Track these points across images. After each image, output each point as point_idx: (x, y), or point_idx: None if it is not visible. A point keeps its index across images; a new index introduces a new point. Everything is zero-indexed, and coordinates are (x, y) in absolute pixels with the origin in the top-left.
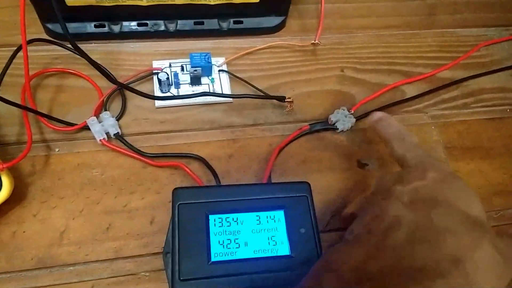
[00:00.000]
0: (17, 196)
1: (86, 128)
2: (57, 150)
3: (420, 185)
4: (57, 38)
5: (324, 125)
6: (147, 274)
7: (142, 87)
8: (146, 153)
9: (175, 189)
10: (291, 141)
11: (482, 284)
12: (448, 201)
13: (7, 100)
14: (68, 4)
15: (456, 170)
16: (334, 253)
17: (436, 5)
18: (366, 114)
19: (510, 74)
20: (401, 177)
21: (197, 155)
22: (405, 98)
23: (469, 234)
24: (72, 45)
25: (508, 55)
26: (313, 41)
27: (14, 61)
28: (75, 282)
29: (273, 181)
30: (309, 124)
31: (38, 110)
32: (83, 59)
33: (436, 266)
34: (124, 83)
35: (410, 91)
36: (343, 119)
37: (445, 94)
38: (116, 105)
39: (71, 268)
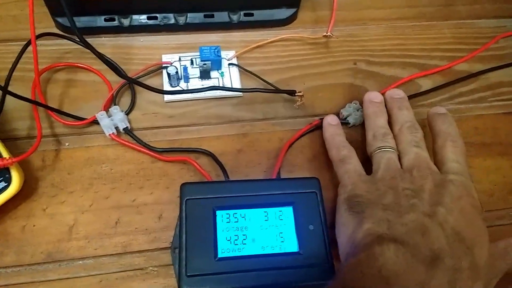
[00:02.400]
0: (27, 191)
1: (96, 122)
2: (67, 144)
3: (458, 218)
4: (68, 32)
5: None
6: (155, 269)
7: (152, 81)
8: (155, 147)
9: (183, 184)
10: (301, 136)
11: None
12: (476, 245)
13: (17, 94)
14: None
15: (472, 167)
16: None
17: None
18: None
19: None
20: (442, 195)
21: (206, 150)
22: (420, 91)
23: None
24: (80, 40)
25: None
26: (325, 34)
27: (24, 55)
28: (83, 276)
29: (282, 176)
30: (320, 119)
31: (48, 105)
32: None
33: None
34: (134, 77)
35: (425, 84)
36: (355, 113)
37: (462, 88)
38: (126, 99)
39: (80, 262)
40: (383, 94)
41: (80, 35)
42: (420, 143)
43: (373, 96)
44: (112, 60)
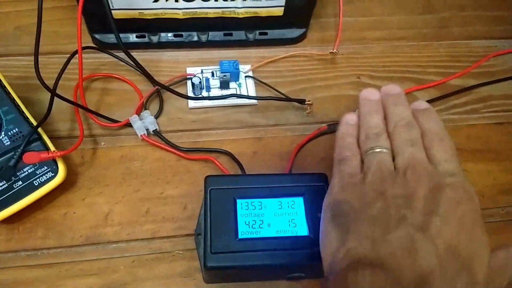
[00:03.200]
0: (68, 183)
1: (129, 125)
2: (103, 144)
3: (454, 230)
4: (104, 47)
5: None
6: (181, 252)
7: (177, 90)
8: (181, 147)
9: (207, 176)
10: (310, 140)
11: None
12: (474, 260)
13: (64, 97)
14: (115, 17)
15: (465, 170)
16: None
17: (448, 18)
18: None
19: None
20: (438, 202)
21: (225, 150)
22: None
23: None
24: (124, 52)
25: None
26: (331, 50)
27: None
28: (118, 257)
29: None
30: (327, 125)
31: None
32: (126, 65)
33: None
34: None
35: (422, 96)
36: None
37: (455, 100)
38: (154, 106)
39: (114, 245)
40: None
41: (125, 48)
42: (417, 141)
43: (369, 93)
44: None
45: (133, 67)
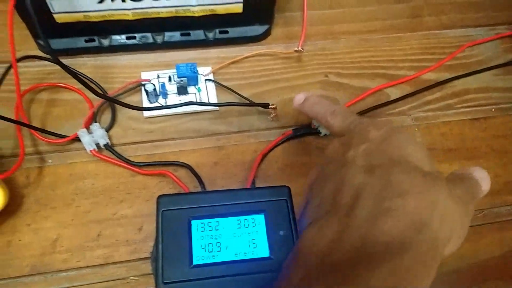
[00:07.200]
0: (12, 207)
1: (78, 139)
2: (50, 161)
3: (367, 147)
4: (50, 54)
5: (307, 130)
6: (136, 278)
7: (132, 98)
8: (135, 162)
9: (159, 196)
10: (275, 147)
11: (446, 240)
12: (400, 159)
13: (0, 116)
14: (58, 21)
15: (439, 172)
16: (303, 241)
17: (421, 7)
18: None
19: (494, 74)
20: (348, 143)
21: (183, 163)
22: (389, 100)
23: (427, 193)
24: (54, 61)
25: (493, 54)
26: (296, 49)
27: (7, 77)
28: (67, 287)
29: (256, 186)
30: (293, 129)
31: (32, 124)
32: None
33: (402, 237)
34: (113, 94)
35: (394, 93)
36: None
37: (429, 96)
38: (107, 116)
39: (63, 274)
40: None
41: (55, 56)
42: None
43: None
44: (91, 79)
45: (82, 75)
